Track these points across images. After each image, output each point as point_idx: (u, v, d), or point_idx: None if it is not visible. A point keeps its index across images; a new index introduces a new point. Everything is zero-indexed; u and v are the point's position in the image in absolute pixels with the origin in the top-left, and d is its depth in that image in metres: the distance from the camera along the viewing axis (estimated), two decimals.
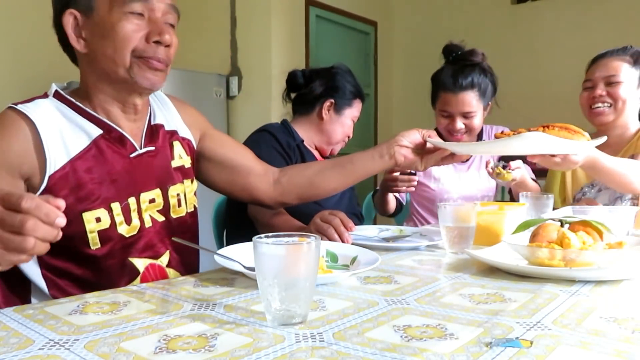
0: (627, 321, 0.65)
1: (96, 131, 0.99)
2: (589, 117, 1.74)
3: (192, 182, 1.16)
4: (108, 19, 0.95)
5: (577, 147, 1.22)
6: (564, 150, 1.24)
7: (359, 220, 1.71)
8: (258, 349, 0.56)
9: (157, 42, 0.97)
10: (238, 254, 0.91)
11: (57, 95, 1.00)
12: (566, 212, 1.37)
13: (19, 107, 0.94)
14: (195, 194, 1.18)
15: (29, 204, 0.63)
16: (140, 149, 1.05)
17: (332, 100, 1.65)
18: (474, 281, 0.87)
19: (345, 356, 0.54)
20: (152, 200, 1.05)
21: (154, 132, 1.09)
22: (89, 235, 0.96)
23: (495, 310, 0.70)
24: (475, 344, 0.57)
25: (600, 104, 1.69)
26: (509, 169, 1.56)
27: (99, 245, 0.97)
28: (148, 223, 1.04)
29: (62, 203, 0.66)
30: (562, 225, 0.98)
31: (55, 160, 0.94)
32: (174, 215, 1.09)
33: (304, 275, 0.64)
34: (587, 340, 0.59)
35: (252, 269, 0.76)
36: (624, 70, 1.67)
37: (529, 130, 1.13)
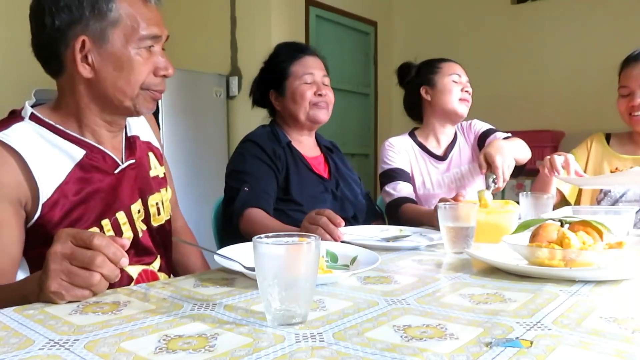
0: (627, 321, 0.65)
1: (79, 153, 0.99)
2: (630, 124, 1.75)
3: (166, 190, 1.18)
4: (123, 52, 0.96)
5: None
6: None
7: (350, 224, 1.67)
8: (258, 349, 0.56)
9: (163, 76, 1.01)
10: (238, 254, 0.91)
11: (33, 117, 0.98)
12: (566, 212, 1.38)
13: (1, 136, 0.91)
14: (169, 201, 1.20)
15: (99, 242, 0.70)
16: (122, 163, 1.06)
17: (274, 89, 1.63)
18: (474, 281, 0.87)
19: (345, 356, 0.54)
20: (138, 211, 1.07)
21: (131, 144, 1.11)
22: None
23: (495, 310, 0.70)
24: (475, 344, 0.57)
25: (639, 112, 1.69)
26: (494, 188, 1.53)
27: None
28: (140, 232, 1.07)
29: (126, 242, 0.73)
30: (562, 225, 0.98)
31: (46, 189, 0.94)
32: (154, 224, 1.12)
33: (304, 275, 0.64)
34: (587, 340, 0.59)
35: (252, 269, 0.76)
36: None
37: None
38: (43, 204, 0.93)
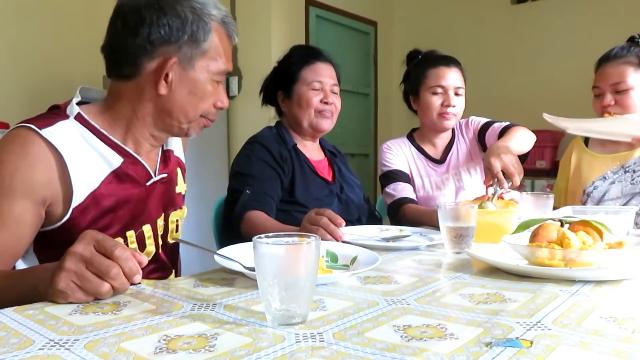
0: (627, 321, 0.65)
1: (117, 160, 0.99)
2: None
3: (185, 209, 1.20)
4: (201, 80, 1.00)
5: None
6: None
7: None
8: (258, 349, 0.56)
9: (219, 107, 1.05)
10: (238, 254, 0.91)
11: (78, 117, 0.98)
12: (566, 212, 1.38)
13: (43, 133, 0.91)
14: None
15: (120, 253, 0.71)
16: (155, 176, 1.07)
17: (282, 91, 1.63)
18: (474, 281, 0.87)
19: (345, 356, 0.54)
20: (160, 226, 1.09)
21: (166, 158, 1.13)
22: None
23: (495, 310, 0.70)
24: (475, 344, 0.57)
25: (610, 112, 1.69)
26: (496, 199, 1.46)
27: None
28: (159, 247, 1.09)
29: (145, 260, 0.75)
30: (562, 225, 0.98)
31: (80, 194, 0.94)
32: (170, 240, 1.14)
33: (304, 275, 0.64)
34: (587, 340, 0.59)
35: (252, 269, 0.76)
36: (631, 75, 1.67)
37: None
38: (74, 208, 0.93)
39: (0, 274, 0.83)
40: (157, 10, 0.95)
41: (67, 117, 0.97)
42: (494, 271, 0.94)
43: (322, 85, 1.59)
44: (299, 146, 1.62)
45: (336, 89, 1.63)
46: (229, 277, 0.89)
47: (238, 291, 0.80)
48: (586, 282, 0.85)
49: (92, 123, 0.98)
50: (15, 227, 0.89)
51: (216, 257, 0.91)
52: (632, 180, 1.71)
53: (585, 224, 0.98)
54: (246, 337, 0.60)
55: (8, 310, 0.69)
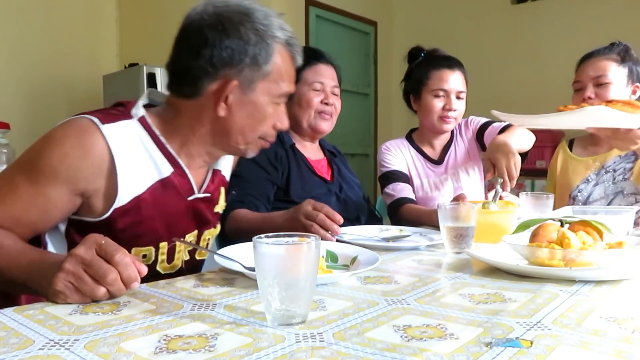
0: (627, 321, 0.65)
1: (167, 170, 0.99)
2: None
3: (218, 226, 1.18)
4: (261, 103, 0.99)
5: (634, 121, 1.24)
6: (625, 125, 1.26)
7: (353, 225, 1.67)
8: (258, 349, 0.56)
9: (279, 129, 1.04)
10: (238, 254, 0.91)
11: (141, 119, 0.98)
12: (566, 212, 1.38)
13: (104, 128, 0.91)
14: None
15: (120, 259, 0.71)
16: (198, 192, 1.06)
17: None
18: (474, 281, 0.87)
19: (345, 356, 0.54)
20: (190, 241, 1.08)
21: (214, 177, 1.11)
22: None
23: (495, 310, 0.70)
24: (475, 344, 0.57)
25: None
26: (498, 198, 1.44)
27: None
28: (183, 262, 1.08)
29: (145, 270, 0.74)
30: (562, 225, 0.98)
31: (124, 195, 0.94)
32: (197, 258, 1.12)
33: (304, 275, 0.64)
34: (587, 340, 0.59)
35: (252, 269, 0.76)
36: (612, 70, 1.68)
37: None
38: (115, 209, 0.94)
39: (13, 250, 0.84)
40: (220, 32, 0.94)
41: (130, 117, 0.97)
42: (494, 271, 0.94)
43: (323, 86, 1.59)
44: (298, 146, 1.62)
45: (337, 90, 1.63)
46: (229, 277, 0.89)
47: (238, 291, 0.80)
48: (586, 282, 0.85)
49: (154, 129, 0.99)
50: (47, 210, 0.91)
51: (216, 257, 0.91)
52: (614, 180, 1.72)
53: (585, 224, 0.98)
54: (246, 337, 0.60)
55: (8, 310, 0.69)
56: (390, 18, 4.89)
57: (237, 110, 0.98)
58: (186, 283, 0.85)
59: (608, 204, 1.69)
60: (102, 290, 0.71)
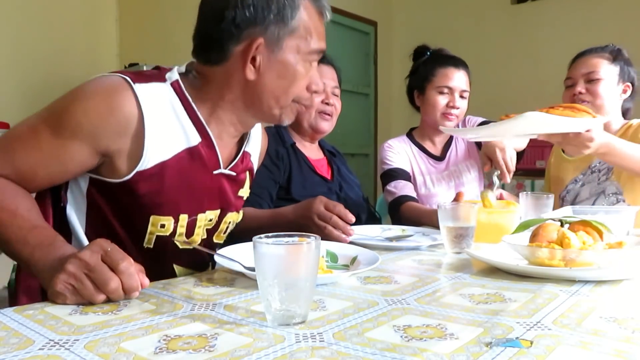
0: (627, 321, 0.65)
1: (196, 139, 0.96)
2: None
3: (241, 213, 1.15)
4: (291, 62, 0.95)
5: (580, 124, 1.24)
6: (567, 129, 1.26)
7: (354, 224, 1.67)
8: (258, 349, 0.56)
9: (314, 92, 0.98)
10: (238, 254, 0.91)
11: (175, 84, 0.95)
12: (566, 212, 1.38)
13: (136, 87, 0.89)
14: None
15: (124, 268, 0.71)
16: (224, 169, 1.02)
17: None
18: (474, 281, 0.87)
19: (345, 356, 0.54)
20: (209, 220, 1.05)
21: (243, 158, 1.08)
22: (147, 236, 0.97)
23: (495, 310, 0.70)
24: (475, 344, 0.57)
25: (580, 102, 1.71)
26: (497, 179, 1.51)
27: (151, 246, 0.98)
28: (200, 239, 1.04)
29: (147, 282, 0.74)
30: (562, 225, 0.98)
31: (149, 159, 0.91)
32: (215, 240, 1.10)
33: (304, 275, 0.64)
34: (587, 340, 0.59)
35: (252, 269, 0.76)
36: (604, 67, 1.69)
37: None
38: (138, 172, 0.91)
39: (26, 224, 0.82)
40: None
41: (164, 80, 0.95)
42: (494, 271, 0.94)
43: (323, 87, 1.60)
44: (298, 145, 1.63)
45: (337, 91, 1.65)
46: (229, 277, 0.89)
47: (238, 291, 0.80)
48: (586, 282, 0.85)
49: (186, 94, 0.96)
50: (65, 162, 0.89)
51: (216, 257, 0.91)
52: (599, 180, 1.73)
53: (585, 224, 0.98)
54: (246, 337, 0.60)
55: (8, 310, 0.69)
56: (390, 18, 4.89)
57: (266, 71, 0.94)
58: (186, 283, 0.85)
59: (592, 204, 1.70)
60: (101, 298, 0.70)
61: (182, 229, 0.98)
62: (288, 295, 0.63)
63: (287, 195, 1.52)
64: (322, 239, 1.04)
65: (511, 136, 1.54)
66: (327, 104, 1.60)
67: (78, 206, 0.97)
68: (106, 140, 0.88)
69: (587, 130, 1.29)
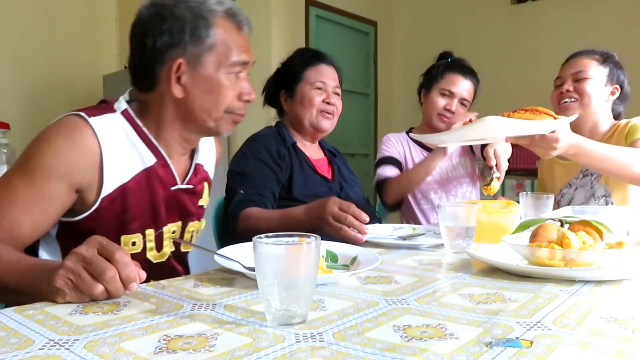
0: (627, 321, 0.65)
1: (151, 160, 1.04)
2: (558, 113, 1.78)
3: (203, 221, 1.22)
4: (214, 76, 1.01)
5: (541, 127, 1.27)
6: (528, 131, 1.29)
7: None
8: (258, 349, 0.56)
9: (246, 101, 1.05)
10: (238, 254, 0.91)
11: (124, 112, 1.03)
12: (566, 212, 1.38)
13: (91, 121, 0.96)
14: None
15: (120, 257, 0.72)
16: (182, 184, 1.10)
17: (285, 90, 1.66)
18: (474, 281, 0.87)
19: (345, 356, 0.54)
20: (173, 232, 1.12)
21: (196, 171, 1.15)
22: None
23: (495, 310, 0.70)
24: (475, 344, 0.57)
25: (567, 99, 1.74)
26: (494, 170, 1.63)
27: None
28: (170, 252, 1.11)
29: (143, 275, 0.75)
30: (562, 225, 0.98)
31: (110, 184, 0.98)
32: (183, 249, 1.17)
33: (304, 275, 0.64)
34: (587, 340, 0.59)
35: (252, 269, 0.76)
36: (592, 67, 1.71)
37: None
38: (103, 198, 0.98)
39: (13, 258, 0.85)
40: (157, 19, 0.99)
41: (114, 111, 1.02)
42: (494, 271, 0.94)
43: (324, 86, 1.61)
44: (299, 145, 1.64)
45: (338, 90, 1.66)
46: (229, 277, 0.89)
47: (238, 291, 0.80)
48: (586, 282, 0.85)
49: (136, 120, 1.03)
50: (47, 205, 0.94)
51: (216, 257, 0.91)
52: (591, 184, 1.74)
53: (585, 224, 0.98)
54: (246, 337, 0.60)
55: (8, 310, 0.69)
56: (390, 18, 4.89)
57: (192, 88, 1.01)
58: (186, 283, 0.85)
59: None
60: (99, 288, 0.71)
61: (151, 244, 1.06)
62: (288, 295, 0.63)
63: (289, 195, 1.52)
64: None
65: (473, 141, 1.66)
66: (329, 103, 1.61)
67: (52, 249, 1.02)
68: (78, 175, 0.95)
69: (552, 132, 1.30)
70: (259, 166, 1.51)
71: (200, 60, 1.00)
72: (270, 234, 0.68)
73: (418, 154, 1.97)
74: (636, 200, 1.70)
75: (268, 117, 1.77)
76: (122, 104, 1.03)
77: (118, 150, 0.99)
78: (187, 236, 1.15)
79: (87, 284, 0.71)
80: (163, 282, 0.86)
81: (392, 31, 4.90)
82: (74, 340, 0.58)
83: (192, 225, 1.16)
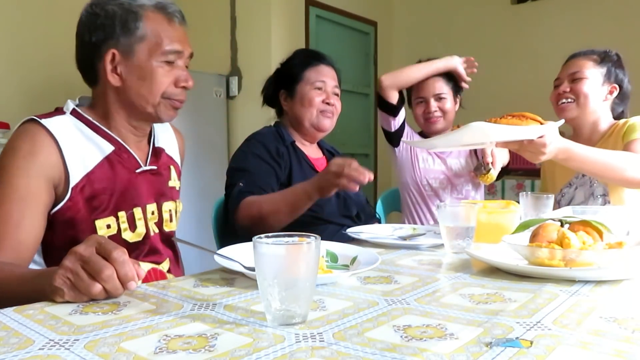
0: (627, 321, 0.65)
1: (109, 148, 1.11)
2: (557, 113, 1.81)
3: (179, 203, 1.28)
4: (147, 64, 1.08)
5: (526, 132, 1.28)
6: (516, 137, 1.31)
7: (354, 222, 1.68)
8: (258, 349, 0.56)
9: (183, 87, 1.13)
10: (238, 254, 0.91)
11: (74, 112, 1.11)
12: (566, 212, 1.38)
13: (43, 122, 1.03)
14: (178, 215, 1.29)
15: (117, 256, 0.73)
16: (145, 166, 1.17)
17: (284, 90, 1.67)
18: (474, 281, 0.87)
19: (345, 356, 0.54)
20: (152, 213, 1.17)
21: (157, 153, 1.22)
22: None
23: (495, 310, 0.70)
24: (475, 344, 0.57)
25: (564, 100, 1.75)
26: (490, 166, 1.78)
27: None
28: (152, 232, 1.16)
29: (143, 273, 0.76)
30: (562, 225, 0.98)
31: (75, 174, 1.05)
32: (166, 229, 1.21)
33: (304, 275, 0.64)
34: (587, 340, 0.59)
35: (252, 269, 0.76)
36: (588, 68, 1.73)
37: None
38: (72, 187, 1.04)
39: (15, 273, 0.88)
40: (92, 17, 1.09)
41: (63, 113, 1.10)
42: (494, 271, 0.94)
43: (324, 86, 1.62)
44: (297, 144, 1.65)
45: (337, 91, 1.67)
46: (229, 277, 0.89)
47: (238, 291, 0.80)
48: (586, 282, 0.85)
49: (86, 116, 1.11)
50: (34, 204, 1.00)
51: (216, 257, 0.91)
52: (591, 183, 1.74)
53: (585, 224, 0.98)
54: (246, 337, 0.60)
55: (8, 310, 0.69)
56: (390, 18, 4.89)
57: (127, 76, 1.08)
58: (186, 283, 0.85)
59: None
60: (97, 287, 0.71)
61: (124, 225, 1.11)
62: (288, 295, 0.63)
63: None
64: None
65: (460, 146, 1.72)
66: (328, 103, 1.62)
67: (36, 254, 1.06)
68: (50, 170, 1.02)
69: (540, 137, 1.31)
70: (259, 163, 1.52)
71: (132, 50, 1.07)
72: (270, 234, 0.68)
73: (423, 150, 2.07)
74: (632, 199, 1.71)
75: (268, 115, 1.78)
76: (69, 105, 1.11)
77: (75, 145, 1.05)
78: (165, 216, 1.20)
79: (85, 283, 0.71)
80: (163, 282, 0.86)
81: (392, 31, 4.89)
82: (74, 340, 0.58)
83: (167, 205, 1.21)
